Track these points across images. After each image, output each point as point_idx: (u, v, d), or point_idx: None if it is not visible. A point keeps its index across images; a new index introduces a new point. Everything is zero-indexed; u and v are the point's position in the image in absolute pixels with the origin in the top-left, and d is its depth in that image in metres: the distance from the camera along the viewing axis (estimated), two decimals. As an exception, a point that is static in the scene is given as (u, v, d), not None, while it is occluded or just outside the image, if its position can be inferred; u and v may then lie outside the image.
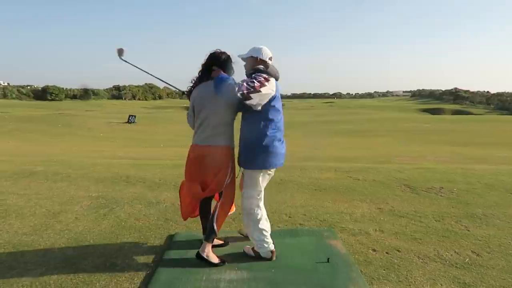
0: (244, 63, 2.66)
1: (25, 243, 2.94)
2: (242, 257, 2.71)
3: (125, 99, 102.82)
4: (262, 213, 2.65)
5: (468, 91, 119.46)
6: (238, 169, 2.71)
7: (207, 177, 2.56)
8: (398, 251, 2.85)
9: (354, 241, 3.05)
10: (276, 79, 2.56)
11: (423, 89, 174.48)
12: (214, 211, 2.62)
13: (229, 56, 2.58)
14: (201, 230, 2.82)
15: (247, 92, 2.34)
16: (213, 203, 2.78)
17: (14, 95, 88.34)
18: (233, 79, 2.48)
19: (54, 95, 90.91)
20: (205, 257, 2.57)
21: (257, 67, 2.55)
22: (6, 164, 6.34)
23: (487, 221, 3.50)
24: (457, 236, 3.16)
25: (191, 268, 2.54)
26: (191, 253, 2.67)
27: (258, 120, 2.52)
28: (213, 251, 2.64)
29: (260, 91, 2.38)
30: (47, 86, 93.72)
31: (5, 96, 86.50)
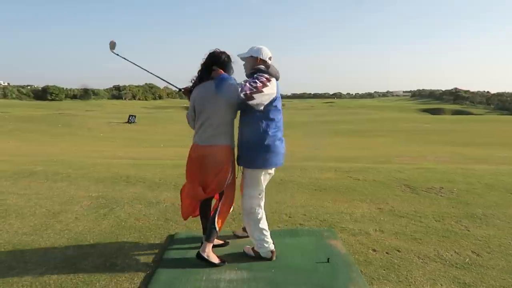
0: (243, 62, 2.65)
1: (25, 243, 2.95)
2: (242, 257, 2.71)
3: (125, 99, 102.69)
4: (262, 212, 2.65)
5: (468, 91, 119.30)
6: (238, 169, 2.71)
7: (208, 177, 2.56)
8: (398, 251, 2.85)
9: (354, 241, 3.05)
10: (277, 79, 2.56)
11: (423, 89, 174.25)
12: (215, 211, 2.62)
13: (229, 55, 2.58)
14: (201, 230, 2.82)
15: (250, 93, 2.34)
16: (213, 203, 2.78)
17: (14, 95, 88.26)
18: (234, 79, 2.48)
19: (54, 95, 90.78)
20: (206, 257, 2.56)
21: (258, 67, 2.55)
22: (6, 164, 6.33)
23: (487, 221, 3.50)
24: (457, 236, 3.16)
25: (191, 268, 2.54)
26: (191, 253, 2.67)
27: (259, 119, 2.51)
28: (213, 251, 2.64)
29: (262, 91, 2.38)
30: (47, 86, 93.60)
31: (5, 96, 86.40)
